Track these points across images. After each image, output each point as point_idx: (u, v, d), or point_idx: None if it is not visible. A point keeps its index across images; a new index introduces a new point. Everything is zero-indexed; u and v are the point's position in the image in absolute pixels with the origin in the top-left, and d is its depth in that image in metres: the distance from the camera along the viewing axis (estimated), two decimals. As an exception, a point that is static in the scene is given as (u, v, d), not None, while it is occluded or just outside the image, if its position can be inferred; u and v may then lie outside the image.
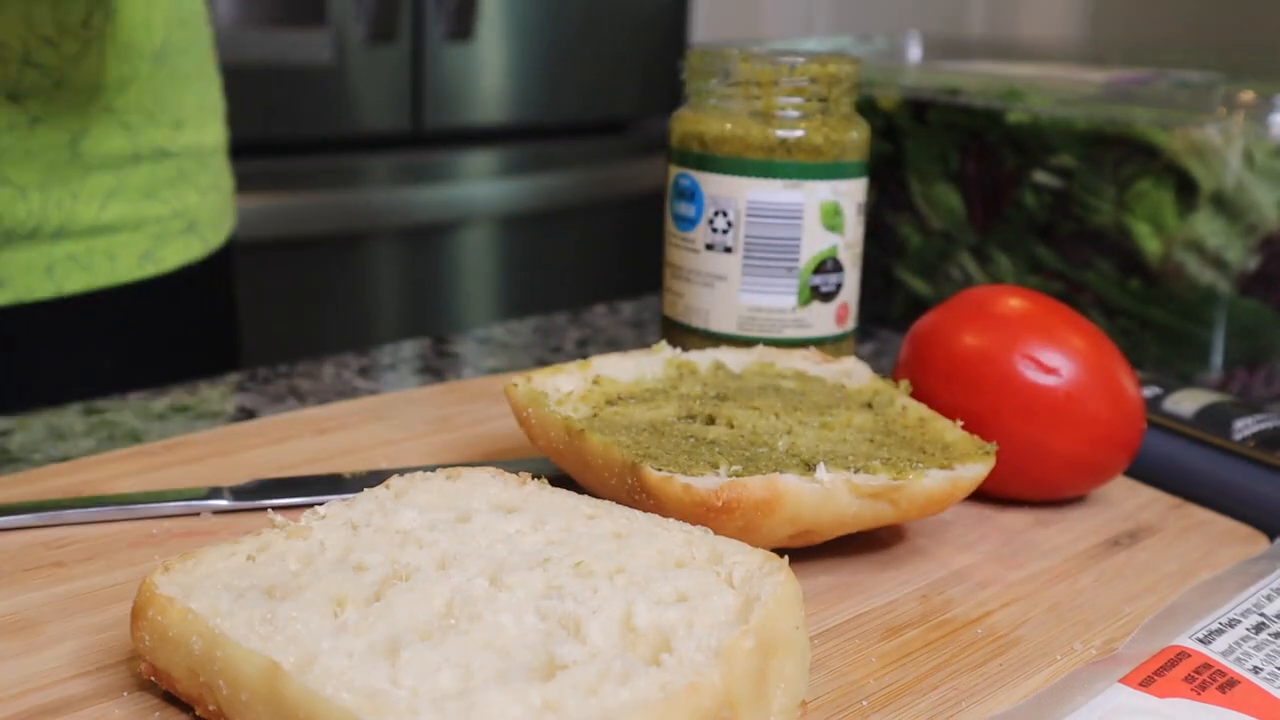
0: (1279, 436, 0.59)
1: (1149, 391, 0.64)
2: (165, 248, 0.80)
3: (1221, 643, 0.41)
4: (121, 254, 0.77)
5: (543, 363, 0.77)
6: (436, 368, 0.76)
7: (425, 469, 0.47)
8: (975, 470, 0.48)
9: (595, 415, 0.51)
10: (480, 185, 1.69)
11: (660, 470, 0.44)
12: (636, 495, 0.45)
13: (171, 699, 0.37)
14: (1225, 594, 0.44)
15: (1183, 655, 0.40)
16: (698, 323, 0.64)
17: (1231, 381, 0.72)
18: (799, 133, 0.61)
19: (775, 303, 0.62)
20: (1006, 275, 0.79)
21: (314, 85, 1.49)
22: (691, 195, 0.63)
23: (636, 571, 0.38)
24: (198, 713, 0.36)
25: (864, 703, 0.39)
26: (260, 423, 0.60)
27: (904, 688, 0.40)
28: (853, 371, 0.57)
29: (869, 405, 0.54)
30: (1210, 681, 0.39)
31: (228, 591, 0.37)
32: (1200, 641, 0.41)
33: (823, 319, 0.63)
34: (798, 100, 0.61)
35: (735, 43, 0.79)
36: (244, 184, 1.54)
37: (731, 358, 0.57)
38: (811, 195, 0.61)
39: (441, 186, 1.64)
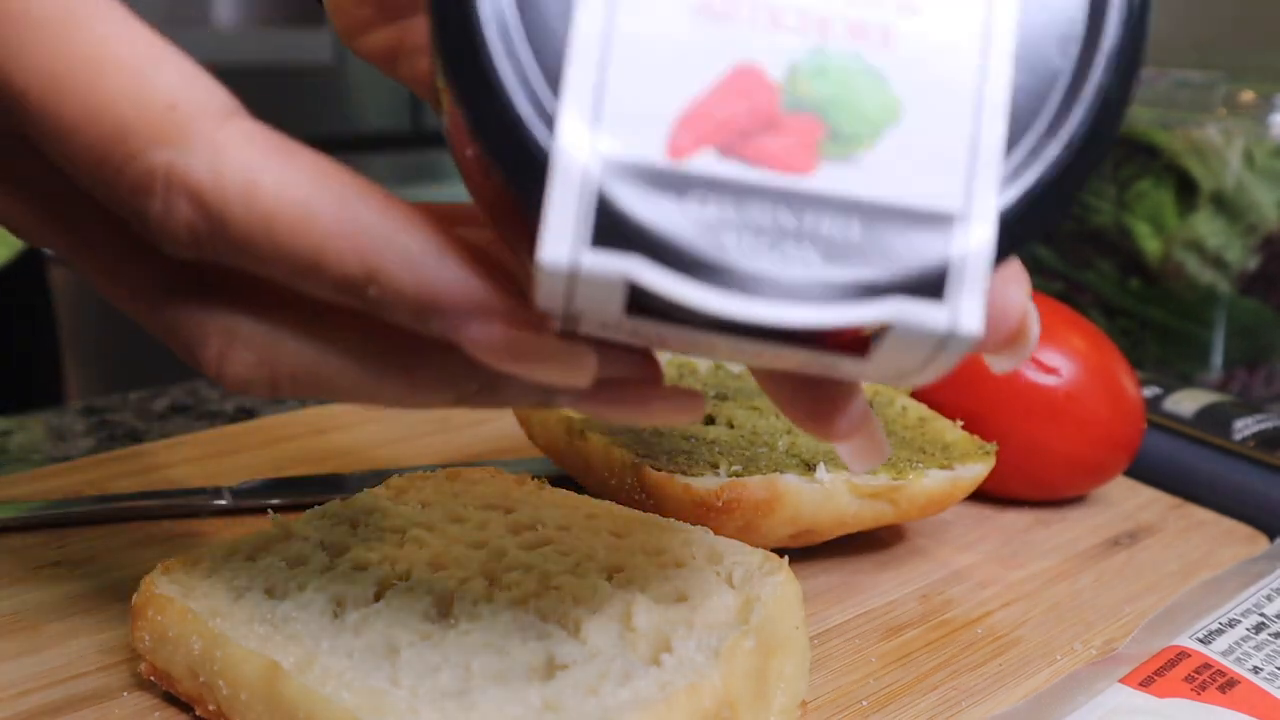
0: (1279, 436, 0.59)
1: (1149, 391, 0.64)
2: None
3: (1221, 643, 0.41)
4: None
5: (543, 363, 0.77)
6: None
7: (425, 469, 0.47)
8: (975, 470, 0.48)
9: (595, 415, 0.51)
10: (480, 185, 1.69)
11: (660, 470, 0.44)
12: (636, 495, 0.45)
13: (171, 699, 0.37)
14: (1225, 594, 0.44)
15: (1183, 655, 0.40)
16: (698, 323, 0.64)
17: (1231, 381, 0.72)
18: (799, 133, 0.60)
19: (775, 303, 0.62)
20: (1006, 275, 0.79)
21: (314, 85, 1.49)
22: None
23: (636, 571, 0.38)
24: (197, 713, 0.36)
25: (864, 703, 0.39)
26: (260, 423, 0.60)
27: (904, 688, 0.40)
28: (853, 371, 0.57)
29: (869, 405, 0.54)
30: (1210, 681, 0.39)
31: (227, 591, 0.37)
32: (1200, 641, 0.41)
33: (823, 319, 0.63)
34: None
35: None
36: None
37: (731, 358, 0.57)
38: (811, 195, 0.61)
39: (441, 186, 1.64)
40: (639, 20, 0.22)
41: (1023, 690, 0.41)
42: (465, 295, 0.24)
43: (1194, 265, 0.71)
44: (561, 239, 0.22)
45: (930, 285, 0.22)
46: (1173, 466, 0.57)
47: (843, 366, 0.24)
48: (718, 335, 0.23)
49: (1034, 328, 0.29)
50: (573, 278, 0.22)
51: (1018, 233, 0.23)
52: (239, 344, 0.27)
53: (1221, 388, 0.72)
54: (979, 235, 0.23)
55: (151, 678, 0.37)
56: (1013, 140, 0.23)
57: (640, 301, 0.22)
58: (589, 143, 0.22)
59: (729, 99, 0.22)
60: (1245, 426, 0.60)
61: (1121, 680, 0.39)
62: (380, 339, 0.27)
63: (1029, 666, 0.42)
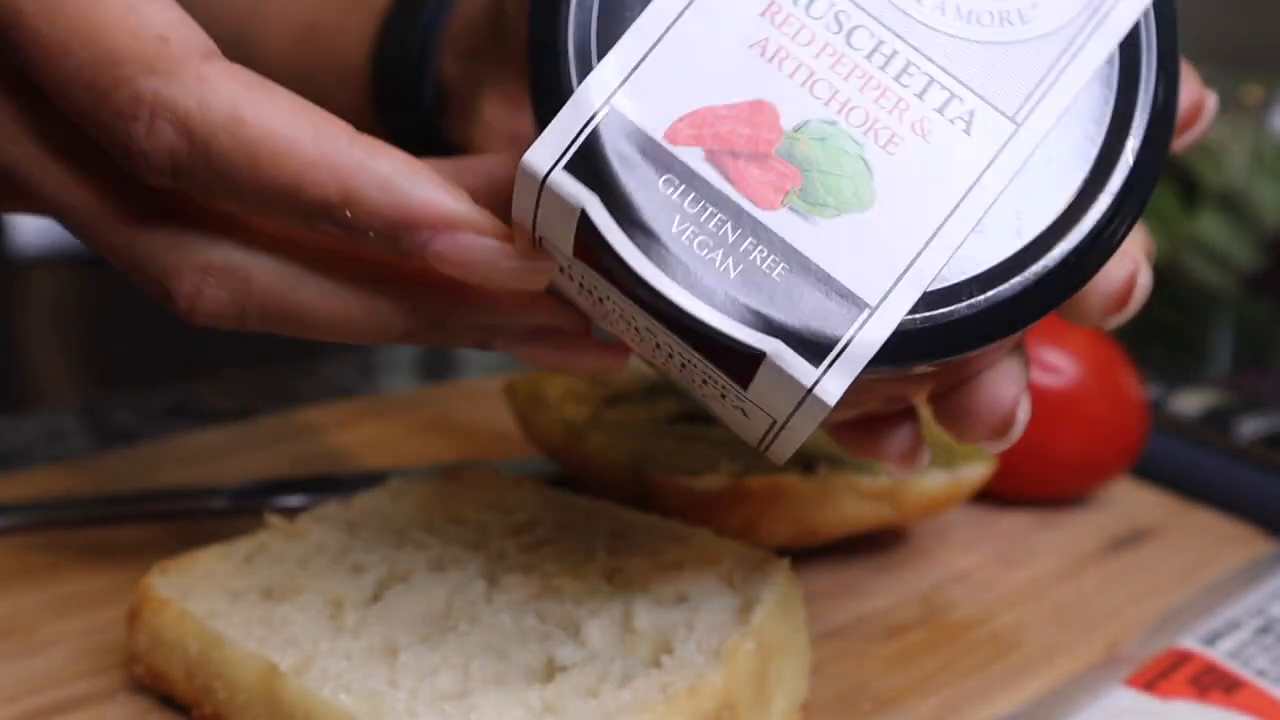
0: (1283, 437, 0.59)
1: (1153, 391, 0.63)
2: None
3: (1226, 645, 0.40)
4: None
5: (543, 363, 0.76)
6: (435, 367, 0.76)
7: (424, 470, 0.46)
8: (977, 471, 0.47)
9: (595, 415, 0.51)
10: (482, 185, 1.69)
11: (660, 471, 0.44)
12: (636, 496, 0.45)
13: (168, 701, 0.37)
14: (1230, 596, 0.44)
15: (1187, 657, 0.40)
16: (699, 322, 0.64)
17: (1237, 382, 0.72)
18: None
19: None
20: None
21: (315, 85, 1.49)
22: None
23: (635, 572, 0.38)
24: (194, 715, 0.36)
25: (865, 705, 0.39)
26: (259, 423, 0.60)
27: (905, 690, 0.40)
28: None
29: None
30: (1214, 684, 0.38)
31: (225, 593, 0.37)
32: (1204, 643, 0.40)
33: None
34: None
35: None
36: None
37: (733, 358, 0.57)
38: (813, 194, 0.61)
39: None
40: (700, 26, 0.26)
41: (1025, 693, 0.40)
42: (434, 211, 0.26)
43: (1200, 265, 0.70)
44: (547, 151, 0.25)
45: (814, 346, 0.25)
46: (1177, 467, 0.57)
47: (729, 392, 0.27)
48: (636, 309, 0.26)
49: (1019, 424, 0.32)
50: (542, 191, 0.25)
51: (905, 352, 0.26)
52: (212, 275, 0.28)
53: (1226, 388, 0.71)
54: (874, 332, 0.25)
55: (148, 680, 0.37)
56: (949, 274, 0.26)
57: (586, 242, 0.25)
58: (609, 91, 0.25)
59: (737, 121, 0.26)
60: (1250, 427, 0.60)
61: (1125, 682, 0.38)
62: (345, 268, 0.29)
63: (1032, 669, 0.42)
